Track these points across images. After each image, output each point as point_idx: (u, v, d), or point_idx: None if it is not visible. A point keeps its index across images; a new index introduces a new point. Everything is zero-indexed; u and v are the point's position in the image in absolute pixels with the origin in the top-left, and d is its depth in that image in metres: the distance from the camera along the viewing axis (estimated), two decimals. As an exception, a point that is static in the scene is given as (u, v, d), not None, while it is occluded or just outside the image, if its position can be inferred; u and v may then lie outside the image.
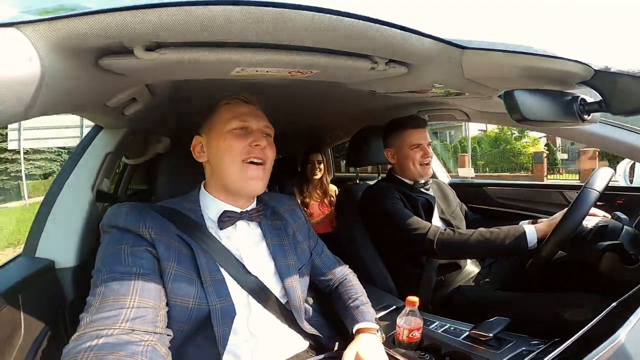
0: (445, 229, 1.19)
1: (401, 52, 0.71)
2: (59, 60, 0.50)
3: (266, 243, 0.87)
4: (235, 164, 0.80)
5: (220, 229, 0.81)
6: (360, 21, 0.58)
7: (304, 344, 0.85)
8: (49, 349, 0.83)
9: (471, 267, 1.38)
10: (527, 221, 1.33)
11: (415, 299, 0.85)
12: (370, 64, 0.74)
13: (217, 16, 0.49)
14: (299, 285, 0.86)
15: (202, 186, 0.88)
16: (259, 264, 0.83)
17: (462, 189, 1.83)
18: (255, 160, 0.81)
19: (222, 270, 0.76)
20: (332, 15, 0.55)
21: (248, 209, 0.87)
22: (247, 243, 0.84)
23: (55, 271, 0.98)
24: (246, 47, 0.63)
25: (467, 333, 0.87)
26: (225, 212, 0.82)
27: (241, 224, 0.85)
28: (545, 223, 1.07)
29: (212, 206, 0.84)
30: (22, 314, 0.77)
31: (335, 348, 0.88)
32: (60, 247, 1.02)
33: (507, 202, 1.80)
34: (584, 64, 0.75)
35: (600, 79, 0.76)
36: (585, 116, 0.73)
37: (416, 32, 0.67)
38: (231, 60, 0.64)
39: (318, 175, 2.50)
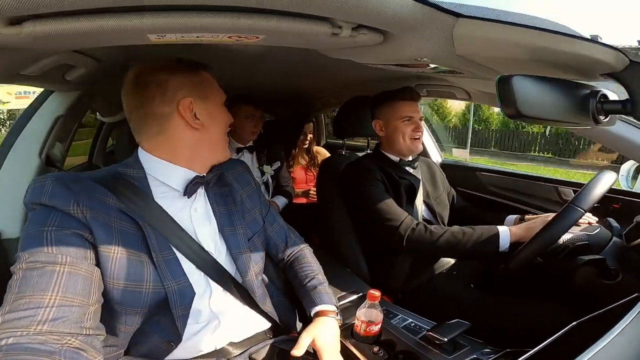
0: (417, 224, 1.13)
1: (372, 15, 0.54)
2: None
3: (213, 212, 0.78)
4: (224, 137, 0.80)
5: (188, 196, 0.73)
6: None
7: (265, 324, 0.82)
8: None
9: (446, 260, 1.32)
10: (514, 216, 1.28)
11: (377, 293, 0.82)
12: (331, 29, 0.58)
13: None
14: (250, 257, 0.80)
15: (141, 150, 0.74)
16: (212, 237, 0.76)
17: (453, 171, 1.72)
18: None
19: (173, 248, 0.68)
20: None
21: (205, 173, 0.79)
22: (197, 215, 0.76)
23: (1, 242, 0.95)
24: (162, 10, 0.49)
25: (424, 333, 0.85)
26: (196, 176, 0.74)
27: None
28: (522, 227, 1.04)
29: (169, 172, 0.72)
30: None
31: (298, 330, 0.87)
32: (6, 215, 0.97)
33: (498, 190, 1.69)
34: (619, 50, 0.57)
35: (635, 72, 0.59)
36: (602, 117, 0.57)
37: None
38: (133, 28, 0.50)
39: (307, 145, 2.49)
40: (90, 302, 0.57)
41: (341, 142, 1.67)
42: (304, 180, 2.49)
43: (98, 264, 0.61)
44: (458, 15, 0.56)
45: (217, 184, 0.83)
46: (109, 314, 0.63)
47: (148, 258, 0.65)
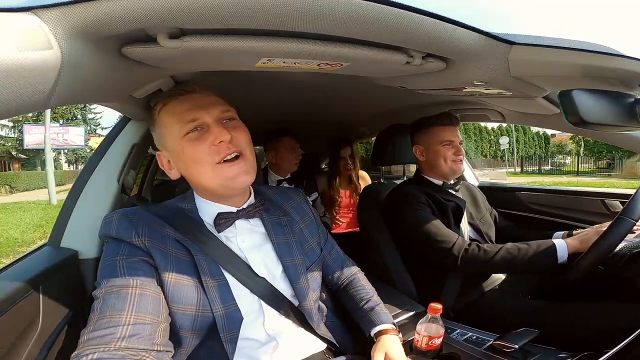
0: (470, 244, 1.14)
1: (441, 46, 0.65)
2: (79, 47, 0.48)
3: (271, 242, 0.81)
4: (209, 171, 0.72)
5: (218, 232, 0.76)
6: (399, 10, 0.53)
7: (321, 346, 0.82)
8: (66, 341, 0.83)
9: (499, 275, 1.31)
10: (562, 232, 1.28)
11: (438, 305, 0.81)
12: (406, 58, 0.69)
13: (247, 2, 0.45)
14: (309, 286, 0.81)
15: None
16: (266, 264, 0.79)
17: (492, 194, 1.73)
18: (229, 157, 0.72)
19: (225, 273, 0.72)
20: (370, 2, 0.50)
21: (245, 206, 0.81)
22: (250, 242, 0.79)
23: (78, 262, 0.98)
24: (274, 35, 0.59)
25: (490, 343, 0.83)
26: (219, 214, 0.77)
27: (241, 223, 0.80)
28: (577, 238, 1.05)
29: (205, 209, 0.79)
30: (41, 305, 0.77)
31: (352, 351, 0.86)
32: (85, 237, 1.01)
33: (541, 208, 1.69)
34: None
35: None
36: (646, 121, 0.64)
37: (460, 24, 0.61)
38: (258, 49, 0.61)
39: (350, 172, 2.34)
40: (160, 319, 0.64)
41: (375, 172, 1.72)
42: (348, 206, 2.35)
43: (161, 285, 0.67)
44: (512, 42, 0.67)
45: (275, 212, 0.86)
46: (171, 334, 0.68)
47: (199, 283, 0.69)
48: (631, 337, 0.64)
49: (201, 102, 0.74)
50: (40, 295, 0.78)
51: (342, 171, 2.35)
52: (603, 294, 1.06)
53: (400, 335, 0.84)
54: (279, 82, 1.19)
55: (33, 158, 22.83)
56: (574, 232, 1.24)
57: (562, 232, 1.28)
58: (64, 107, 23.05)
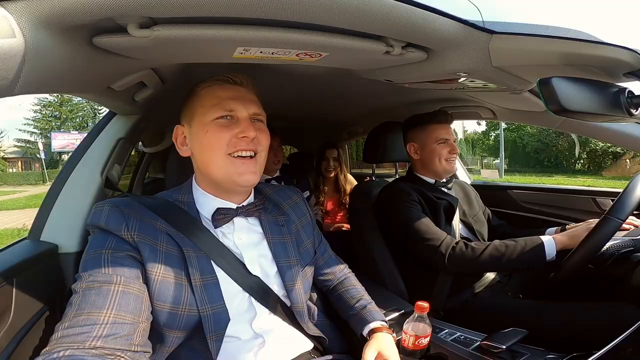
0: (457, 242, 1.13)
1: (420, 35, 0.64)
2: (45, 36, 0.48)
3: (267, 240, 0.80)
4: (221, 160, 0.72)
5: (215, 227, 0.75)
6: None
7: (309, 345, 0.81)
8: (39, 336, 0.81)
9: (490, 274, 1.29)
10: (554, 228, 1.27)
11: (425, 304, 0.80)
12: (385, 47, 0.67)
13: None
14: (301, 287, 0.81)
15: (193, 179, 0.81)
16: (260, 263, 0.78)
17: (485, 192, 1.71)
18: (244, 154, 0.73)
19: (218, 270, 0.71)
20: None
21: (245, 203, 0.80)
22: (246, 240, 0.78)
23: (58, 256, 0.97)
24: (249, 24, 0.58)
25: (478, 343, 0.81)
26: (218, 209, 0.76)
27: (239, 220, 0.79)
28: (566, 234, 1.04)
29: (204, 202, 0.77)
30: (14, 297, 0.76)
31: (339, 350, 0.85)
32: (65, 231, 1.00)
33: (533, 207, 1.68)
34: (633, 50, 0.64)
35: None
36: (633, 110, 0.62)
37: (438, 12, 0.60)
38: (233, 38, 0.59)
39: (332, 173, 2.38)
40: (140, 319, 0.61)
41: (364, 172, 1.70)
42: (333, 213, 2.38)
43: (146, 282, 0.65)
44: (492, 32, 0.65)
45: (273, 212, 0.85)
46: (152, 332, 0.66)
47: (187, 281, 0.67)
48: (620, 337, 0.63)
49: (243, 95, 0.76)
50: (14, 288, 0.76)
51: (324, 173, 2.38)
52: (594, 293, 1.05)
53: (394, 334, 0.83)
54: (267, 79, 1.18)
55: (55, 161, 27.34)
56: (567, 226, 1.23)
57: (555, 228, 1.27)
58: (79, 119, 27.82)
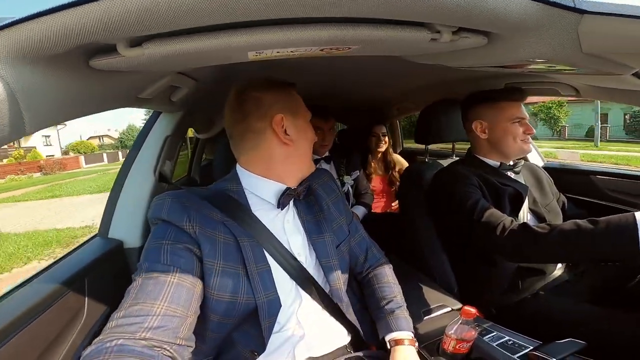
0: (520, 224, 0.94)
1: (477, 18, 0.50)
2: (30, 71, 0.45)
3: (301, 222, 0.81)
4: (310, 149, 0.85)
5: (282, 208, 0.78)
6: None
7: (346, 339, 0.81)
8: None
9: (558, 273, 1.14)
10: None
11: (472, 310, 0.74)
12: (431, 34, 0.55)
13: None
14: (339, 265, 0.81)
15: (239, 166, 0.82)
16: (302, 248, 0.79)
17: (560, 176, 1.46)
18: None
19: (269, 258, 0.73)
20: None
21: (296, 186, 0.83)
22: (289, 226, 0.80)
23: (123, 251, 1.05)
24: (257, 26, 0.50)
25: (525, 352, 0.74)
26: (287, 189, 0.79)
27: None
28: None
29: (263, 186, 0.79)
30: (86, 296, 0.84)
31: (376, 343, 0.85)
32: (128, 227, 1.09)
33: (622, 197, 1.39)
34: None
35: None
36: None
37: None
38: (238, 45, 0.53)
39: (382, 148, 2.34)
40: (189, 313, 0.63)
41: (420, 147, 1.57)
42: (381, 192, 2.36)
43: (202, 276, 0.67)
44: (582, 11, 0.50)
45: (305, 194, 0.85)
46: (201, 320, 0.68)
47: (243, 270, 0.69)
48: None
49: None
50: (86, 287, 0.85)
51: (374, 149, 2.35)
52: None
53: (417, 344, 0.80)
54: (312, 67, 1.12)
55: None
56: None
57: None
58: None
